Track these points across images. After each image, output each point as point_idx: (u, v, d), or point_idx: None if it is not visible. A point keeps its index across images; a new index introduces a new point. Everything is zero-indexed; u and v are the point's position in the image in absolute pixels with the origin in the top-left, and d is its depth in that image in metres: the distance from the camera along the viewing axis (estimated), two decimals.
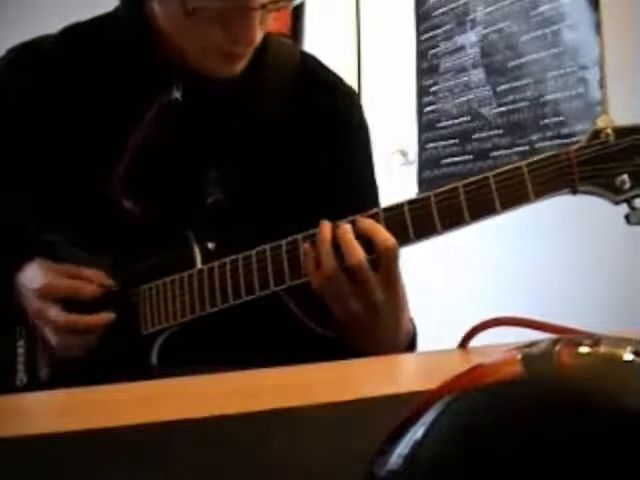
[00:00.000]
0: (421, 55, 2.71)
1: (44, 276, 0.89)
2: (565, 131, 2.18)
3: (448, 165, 2.59)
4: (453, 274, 2.38)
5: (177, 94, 0.90)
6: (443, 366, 0.60)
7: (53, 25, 1.01)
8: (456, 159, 2.59)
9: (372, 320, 0.81)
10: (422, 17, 2.77)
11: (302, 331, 0.87)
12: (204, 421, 0.36)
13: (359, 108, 1.04)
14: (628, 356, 0.21)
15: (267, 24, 0.86)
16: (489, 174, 0.75)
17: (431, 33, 2.75)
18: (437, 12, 2.73)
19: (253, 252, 0.82)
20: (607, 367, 0.21)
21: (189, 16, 0.81)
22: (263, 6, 0.82)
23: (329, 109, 0.98)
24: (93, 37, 0.97)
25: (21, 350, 0.94)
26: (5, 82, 0.98)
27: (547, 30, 2.28)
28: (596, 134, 0.73)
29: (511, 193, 0.75)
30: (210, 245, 0.88)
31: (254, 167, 0.94)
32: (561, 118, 2.21)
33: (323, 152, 0.97)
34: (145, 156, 0.90)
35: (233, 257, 0.83)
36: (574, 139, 2.14)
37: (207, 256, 0.87)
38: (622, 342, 0.22)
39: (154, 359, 0.87)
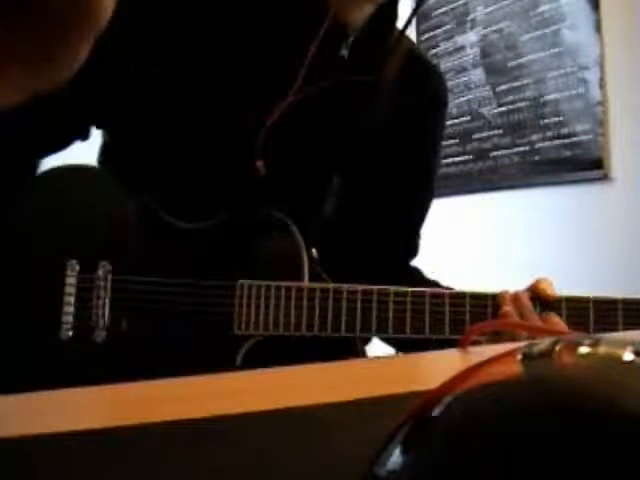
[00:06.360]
0: None
1: None
2: (565, 131, 2.18)
3: (448, 165, 2.59)
4: (454, 274, 2.37)
5: (345, 52, 0.84)
6: (443, 366, 0.60)
7: None
8: (456, 159, 2.58)
9: None
10: (422, 17, 2.77)
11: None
12: (204, 421, 0.36)
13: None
14: (628, 356, 0.21)
15: None
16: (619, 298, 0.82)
17: (431, 33, 2.75)
18: (437, 12, 2.73)
19: (359, 288, 0.82)
20: (607, 367, 0.21)
21: None
22: None
23: (435, 92, 0.98)
24: None
25: (70, 298, 0.83)
26: None
27: (547, 30, 2.28)
28: None
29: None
30: (314, 251, 0.86)
31: (371, 176, 0.91)
32: (561, 118, 2.21)
33: (429, 137, 0.98)
34: (288, 121, 0.84)
35: (347, 287, 0.82)
36: (574, 139, 2.14)
37: (310, 262, 0.85)
38: (622, 342, 0.22)
39: (239, 361, 0.84)
